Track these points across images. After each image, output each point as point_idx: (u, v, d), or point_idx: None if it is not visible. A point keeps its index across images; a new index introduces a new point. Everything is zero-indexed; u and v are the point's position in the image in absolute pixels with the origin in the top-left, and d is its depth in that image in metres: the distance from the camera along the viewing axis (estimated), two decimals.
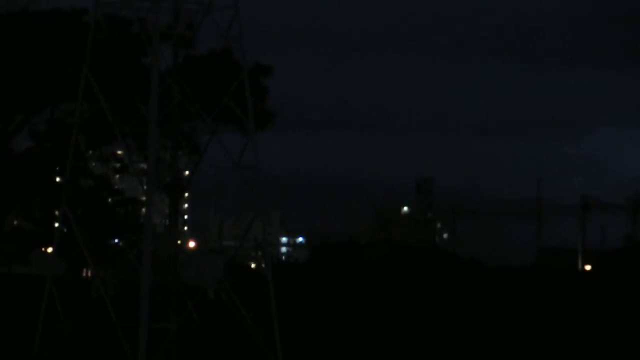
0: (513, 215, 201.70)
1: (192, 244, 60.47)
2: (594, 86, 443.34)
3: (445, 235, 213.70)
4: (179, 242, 45.38)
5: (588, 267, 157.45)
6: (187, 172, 45.27)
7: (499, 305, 63.07)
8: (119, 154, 54.57)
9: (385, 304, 62.05)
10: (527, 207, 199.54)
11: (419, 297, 69.05)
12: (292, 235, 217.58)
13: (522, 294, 75.79)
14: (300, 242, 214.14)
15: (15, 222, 59.94)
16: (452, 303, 63.52)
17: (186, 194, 51.15)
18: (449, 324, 49.26)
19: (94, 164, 55.06)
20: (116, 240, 54.60)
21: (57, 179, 54.67)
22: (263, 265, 40.74)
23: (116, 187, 59.00)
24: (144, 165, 45.19)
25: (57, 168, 53.94)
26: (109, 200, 58.25)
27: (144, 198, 44.92)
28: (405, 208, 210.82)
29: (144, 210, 45.90)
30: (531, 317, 54.10)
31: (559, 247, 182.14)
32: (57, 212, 48.06)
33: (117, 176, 57.77)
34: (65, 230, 44.85)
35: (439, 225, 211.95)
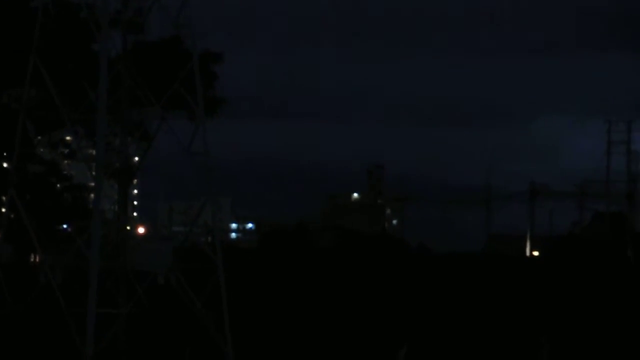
0: (462, 202, 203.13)
1: (141, 230, 60.40)
2: (542, 74, 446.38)
3: (394, 222, 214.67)
4: (128, 228, 45.39)
5: (536, 253, 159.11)
6: (136, 159, 45.26)
7: (446, 290, 63.74)
8: (68, 140, 54.37)
9: (334, 289, 62.43)
10: (476, 194, 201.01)
11: (368, 283, 69.54)
12: (242, 221, 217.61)
13: (469, 279, 76.58)
14: (250, 228, 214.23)
15: None
16: (400, 289, 64.07)
17: (135, 180, 51.07)
18: (396, 310, 49.74)
19: (42, 150, 54.83)
20: (64, 226, 54.46)
21: (5, 165, 54.37)
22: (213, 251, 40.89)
23: (65, 173, 58.75)
24: (92, 152, 45.11)
25: (5, 154, 53.62)
26: (58, 186, 58.03)
27: (92, 184, 44.86)
28: (355, 195, 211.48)
29: (92, 196, 45.80)
30: (477, 302, 54.76)
31: (508, 233, 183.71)
32: (4, 198, 47.83)
33: (66, 162, 57.56)
34: (12, 216, 44.68)
35: (388, 211, 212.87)
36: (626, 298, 60.17)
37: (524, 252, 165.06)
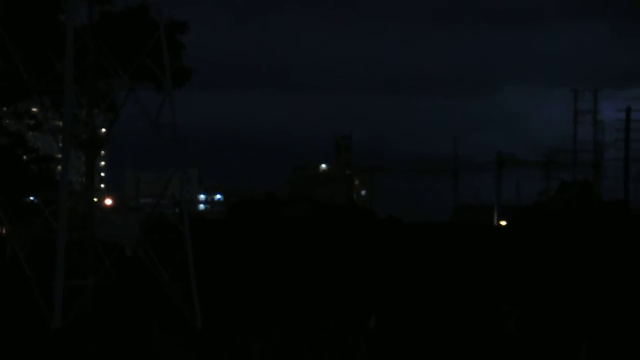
0: (430, 172, 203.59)
1: (108, 202, 60.16)
2: (510, 43, 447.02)
3: (363, 192, 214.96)
4: (95, 199, 45.25)
5: (503, 223, 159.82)
6: (103, 130, 45.05)
7: (414, 260, 64.05)
8: (34, 111, 53.99)
9: (303, 260, 62.60)
10: (444, 163, 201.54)
11: (338, 253, 69.74)
12: (210, 192, 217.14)
13: (436, 249, 76.95)
14: (219, 199, 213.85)
15: None
16: (370, 259, 64.33)
17: (103, 152, 50.84)
18: (365, 279, 49.96)
19: (7, 121, 54.42)
20: (31, 198, 54.19)
21: None
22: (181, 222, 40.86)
23: (31, 144, 58.37)
24: (59, 123, 44.85)
25: None
26: (24, 157, 57.68)
27: (59, 155, 44.64)
28: (323, 165, 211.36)
29: (59, 167, 45.59)
30: (444, 271, 55.09)
31: (475, 203, 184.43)
32: None
33: (32, 133, 57.17)
34: None
35: (356, 182, 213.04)
36: (590, 266, 60.74)
37: (492, 221, 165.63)
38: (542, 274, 55.42)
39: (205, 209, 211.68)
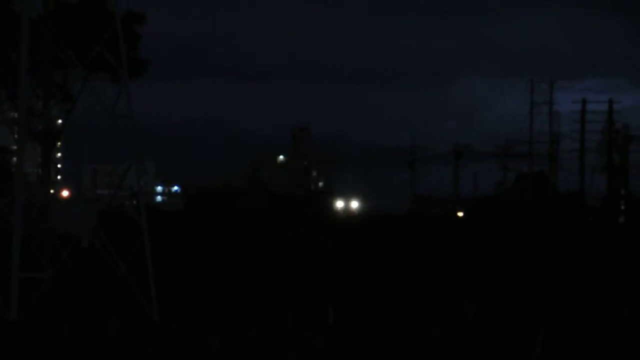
0: (387, 163, 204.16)
1: (65, 193, 59.88)
2: (465, 34, 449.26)
3: (320, 184, 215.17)
4: (52, 191, 44.98)
5: (460, 214, 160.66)
6: (59, 121, 44.75)
7: (373, 251, 64.30)
8: None
9: (261, 250, 62.63)
10: (401, 155, 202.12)
11: (295, 242, 69.90)
12: (167, 184, 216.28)
13: (393, 240, 77.35)
14: (176, 191, 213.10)
15: None
16: (328, 250, 64.50)
17: (59, 143, 50.52)
18: (323, 270, 50.11)
19: None
20: None
21: None
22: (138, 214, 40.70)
23: None
24: (14, 114, 44.50)
25: None
26: None
27: (15, 147, 44.30)
28: (281, 157, 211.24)
29: (15, 159, 45.26)
30: (403, 261, 55.37)
31: (433, 194, 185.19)
32: None
33: None
34: None
35: (314, 173, 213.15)
36: (545, 255, 61.30)
37: (449, 212, 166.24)
38: (499, 263, 55.83)
39: (163, 200, 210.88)
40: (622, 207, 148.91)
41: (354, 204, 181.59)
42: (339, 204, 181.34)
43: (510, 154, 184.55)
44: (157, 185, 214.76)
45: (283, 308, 36.23)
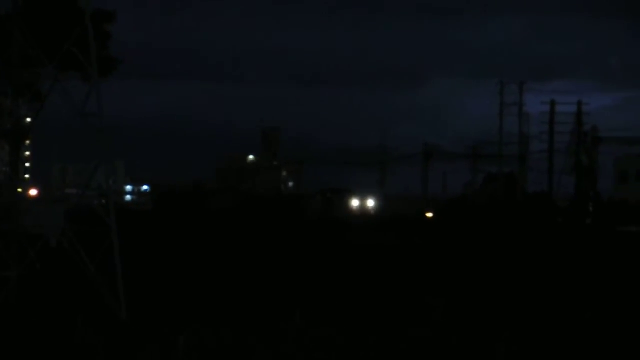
0: (357, 163, 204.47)
1: (33, 192, 59.57)
2: (436, 36, 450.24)
3: (290, 184, 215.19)
4: (20, 190, 44.73)
5: (429, 215, 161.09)
6: (28, 120, 44.51)
7: (341, 251, 64.37)
8: None
9: (230, 251, 62.55)
10: (372, 155, 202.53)
11: (263, 244, 69.83)
12: (137, 183, 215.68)
13: (364, 241, 77.53)
14: (145, 190, 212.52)
15: None
16: (296, 250, 64.50)
17: (28, 142, 50.23)
18: (291, 270, 50.10)
19: None
20: None
21: None
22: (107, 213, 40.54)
23: None
24: None
25: None
26: None
27: None
28: (251, 157, 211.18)
29: None
30: (372, 262, 55.48)
31: (403, 194, 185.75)
32: None
33: None
34: None
35: (284, 174, 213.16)
36: (514, 256, 61.58)
37: (419, 213, 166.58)
38: (467, 264, 56.04)
39: (132, 199, 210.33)
40: (590, 209, 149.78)
41: (371, 203, 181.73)
42: (355, 202, 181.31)
43: (479, 154, 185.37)
44: (127, 184, 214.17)
45: (252, 308, 36.22)
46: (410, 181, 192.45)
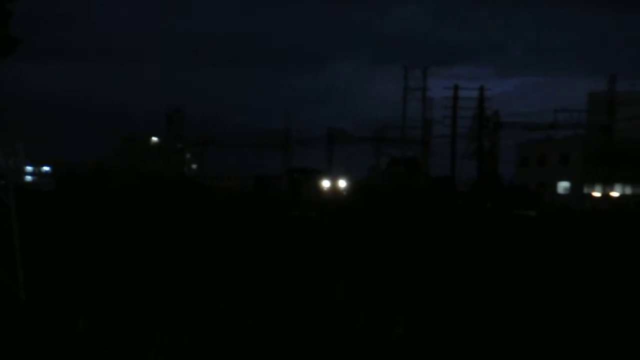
0: (262, 146, 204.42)
1: None
2: (340, 21, 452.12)
3: (194, 166, 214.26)
4: None
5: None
6: None
7: (242, 232, 64.42)
8: None
9: (131, 231, 62.14)
10: (276, 137, 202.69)
11: (166, 225, 69.52)
12: (37, 164, 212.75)
13: (265, 221, 77.67)
14: (46, 171, 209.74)
15: None
16: (201, 231, 64.33)
17: None
18: (193, 252, 49.98)
19: None
20: None
21: None
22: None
23: None
24: None
25: None
26: None
27: None
28: (155, 138, 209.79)
29: None
30: (272, 243, 55.64)
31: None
32: None
33: None
34: None
35: (188, 155, 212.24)
36: (414, 237, 62.32)
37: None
38: (368, 244, 56.57)
39: (33, 180, 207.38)
40: (490, 192, 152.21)
41: (342, 183, 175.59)
42: (326, 183, 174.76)
43: (383, 138, 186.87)
44: (27, 165, 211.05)
45: (155, 290, 36.04)
46: (314, 164, 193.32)
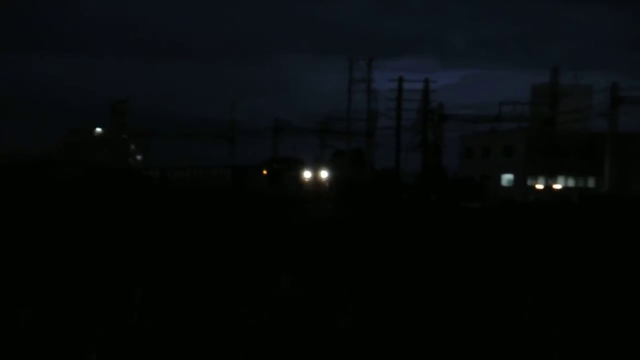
0: (207, 137, 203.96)
1: None
2: (285, 11, 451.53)
3: (139, 157, 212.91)
4: None
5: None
6: None
7: (192, 223, 64.16)
8: None
9: (77, 224, 61.60)
10: (221, 129, 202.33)
11: (111, 216, 68.97)
12: None
13: (214, 213, 77.43)
14: None
15: None
16: (145, 221, 63.97)
17: None
18: (138, 244, 49.58)
19: None
20: None
21: None
22: None
23: None
24: None
25: None
26: None
27: None
28: (99, 129, 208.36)
29: None
30: (220, 234, 55.42)
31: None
32: None
33: None
34: None
35: (132, 146, 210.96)
36: (358, 230, 62.41)
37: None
38: (314, 237, 56.54)
39: None
40: (435, 184, 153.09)
41: (324, 174, 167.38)
42: (307, 174, 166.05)
43: (328, 130, 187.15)
44: None
45: (97, 283, 35.67)
46: (259, 156, 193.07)
